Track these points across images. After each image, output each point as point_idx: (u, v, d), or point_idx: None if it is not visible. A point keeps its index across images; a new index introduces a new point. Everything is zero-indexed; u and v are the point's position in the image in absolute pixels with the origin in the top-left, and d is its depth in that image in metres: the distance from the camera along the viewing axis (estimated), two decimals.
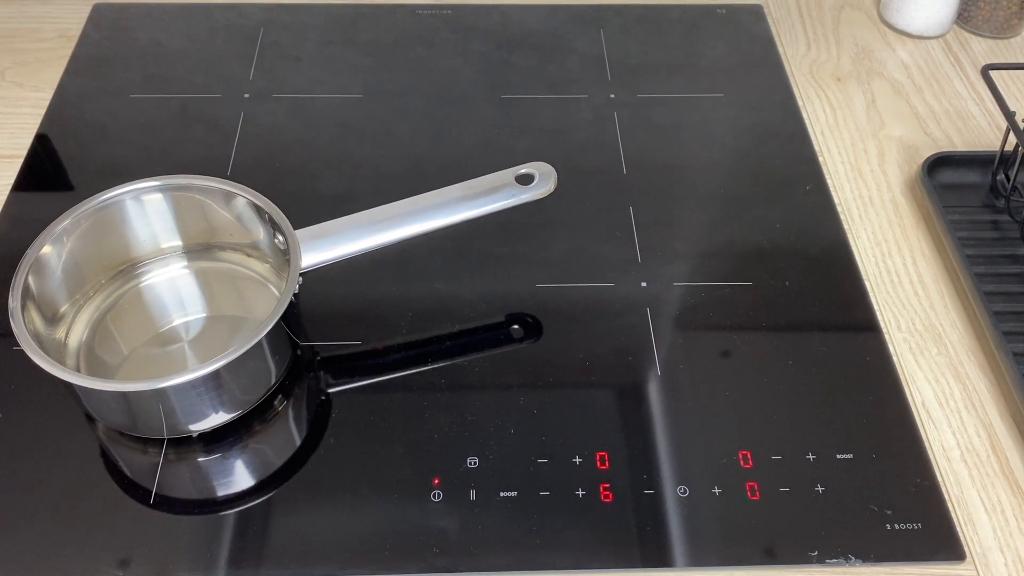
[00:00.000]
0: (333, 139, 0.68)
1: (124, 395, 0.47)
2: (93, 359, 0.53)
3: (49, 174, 0.65)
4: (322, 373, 0.55)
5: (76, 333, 0.53)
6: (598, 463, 0.50)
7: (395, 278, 0.59)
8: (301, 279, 0.51)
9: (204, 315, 0.55)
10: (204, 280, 0.57)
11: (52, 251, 0.51)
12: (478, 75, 0.74)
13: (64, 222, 0.51)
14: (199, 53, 0.74)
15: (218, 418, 0.50)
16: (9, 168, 0.65)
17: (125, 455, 0.51)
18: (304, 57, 0.75)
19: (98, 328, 0.54)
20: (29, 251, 0.50)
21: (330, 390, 0.54)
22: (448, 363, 0.55)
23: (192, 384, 0.47)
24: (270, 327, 0.47)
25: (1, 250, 0.59)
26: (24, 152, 0.66)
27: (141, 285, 0.56)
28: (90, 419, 0.52)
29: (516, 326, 0.58)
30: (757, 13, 0.80)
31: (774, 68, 0.75)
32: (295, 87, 0.72)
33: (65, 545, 0.47)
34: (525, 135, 0.69)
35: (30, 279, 0.49)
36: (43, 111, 0.69)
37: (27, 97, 0.71)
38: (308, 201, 0.63)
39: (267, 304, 0.55)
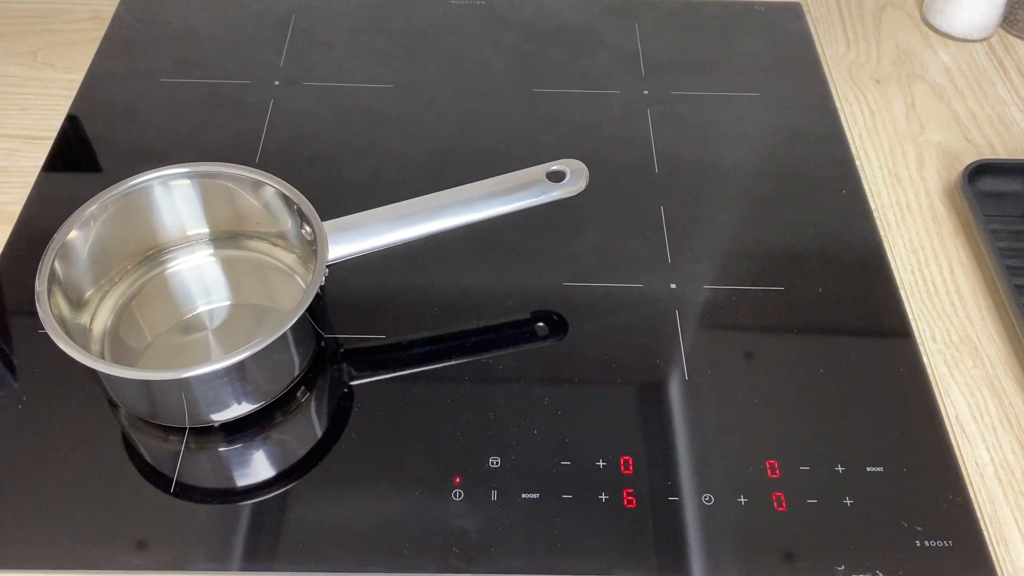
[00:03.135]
0: (363, 129, 0.68)
1: (148, 383, 0.47)
2: (117, 345, 0.52)
3: (78, 156, 0.65)
4: (345, 366, 0.54)
5: (101, 318, 0.53)
6: (622, 467, 0.50)
7: (421, 271, 0.59)
8: (327, 271, 0.51)
9: (229, 303, 0.55)
10: (230, 268, 0.56)
11: (79, 235, 0.51)
12: (510, 68, 0.73)
13: (92, 206, 0.51)
14: (230, 38, 0.74)
15: (241, 409, 0.50)
16: (39, 149, 0.65)
17: (147, 442, 0.51)
18: (335, 45, 0.74)
19: (123, 314, 0.54)
20: (57, 235, 0.50)
21: (352, 383, 0.54)
22: (472, 359, 0.55)
23: (216, 374, 0.46)
24: (296, 319, 0.47)
25: (29, 231, 0.60)
26: (54, 133, 0.66)
27: (167, 272, 0.56)
28: (113, 405, 0.52)
29: (541, 324, 0.57)
30: (796, 11, 0.79)
31: (812, 68, 0.74)
32: (326, 75, 0.71)
33: (84, 528, 0.47)
34: (556, 130, 0.68)
35: (56, 264, 0.49)
36: (74, 93, 0.69)
37: (58, 78, 0.71)
38: (336, 191, 0.63)
39: (292, 294, 0.55)
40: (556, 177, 0.53)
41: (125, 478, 0.49)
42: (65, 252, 0.50)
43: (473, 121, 0.69)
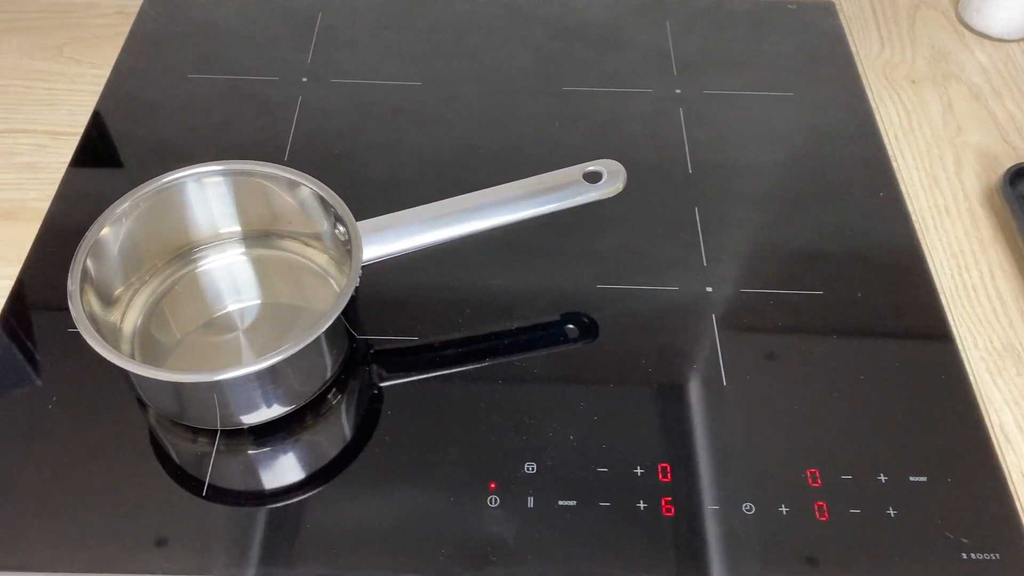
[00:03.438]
0: (392, 127, 0.67)
1: (179, 385, 0.46)
2: (147, 343, 0.52)
3: (105, 152, 0.64)
4: (376, 368, 0.54)
5: (131, 316, 0.53)
6: (660, 475, 0.49)
7: (451, 271, 0.58)
8: (361, 272, 0.50)
9: (260, 303, 0.54)
10: (261, 267, 0.56)
11: (111, 233, 0.50)
12: (538, 65, 0.72)
13: (124, 203, 0.50)
14: (257, 34, 0.73)
15: (272, 411, 0.49)
16: (65, 145, 0.65)
17: (177, 444, 0.50)
18: (362, 42, 0.73)
19: (154, 312, 0.53)
20: (89, 233, 0.49)
21: (384, 385, 0.53)
22: (505, 362, 0.54)
23: (250, 377, 0.46)
24: (331, 321, 0.46)
25: (57, 228, 0.59)
26: (81, 129, 0.65)
27: (198, 270, 0.55)
28: (142, 404, 0.51)
29: (571, 325, 0.56)
30: (828, 10, 0.78)
31: (846, 68, 0.72)
32: (353, 72, 0.70)
33: (113, 531, 0.46)
34: (587, 128, 0.67)
35: (88, 261, 0.48)
36: (100, 88, 0.68)
37: (84, 74, 0.70)
38: (365, 190, 0.62)
39: (324, 295, 0.54)
40: (593, 178, 0.52)
41: (155, 480, 0.48)
42: (97, 250, 0.49)
43: (502, 120, 0.68)
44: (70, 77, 0.70)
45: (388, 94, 0.69)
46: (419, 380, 0.53)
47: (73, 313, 0.46)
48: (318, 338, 0.46)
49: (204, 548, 0.46)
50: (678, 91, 0.70)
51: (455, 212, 0.51)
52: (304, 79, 0.70)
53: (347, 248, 0.51)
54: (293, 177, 0.52)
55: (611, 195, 0.52)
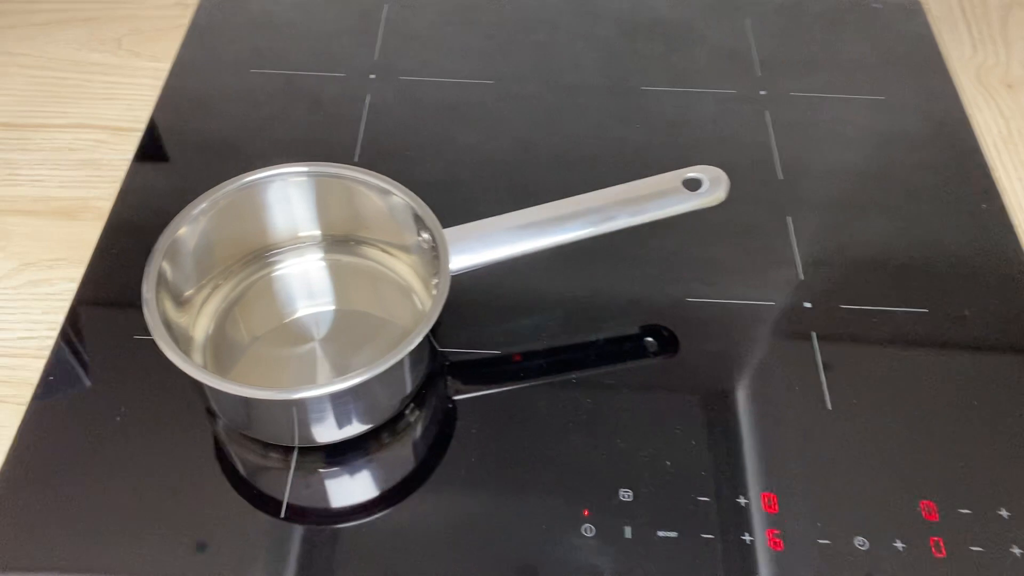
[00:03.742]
0: (465, 127, 0.64)
1: (257, 401, 0.44)
2: (219, 350, 0.49)
3: (168, 149, 0.62)
4: (454, 381, 0.51)
5: (203, 321, 0.50)
6: (765, 505, 0.46)
7: (530, 278, 0.55)
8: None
9: (336, 311, 0.52)
10: (338, 273, 0.53)
11: (187, 234, 0.48)
12: (614, 64, 0.69)
13: (202, 203, 0.48)
14: (321, 29, 0.71)
15: (352, 429, 0.46)
16: (126, 141, 0.62)
17: (251, 460, 0.47)
18: (428, 37, 0.70)
19: (227, 317, 0.50)
20: (164, 234, 0.47)
21: (460, 397, 0.50)
22: (588, 377, 0.51)
23: (333, 396, 0.43)
24: (421, 337, 0.43)
25: (121, 228, 0.56)
26: (142, 125, 0.63)
27: (273, 274, 0.52)
28: (210, 413, 0.49)
29: (650, 339, 0.54)
30: (915, 10, 0.74)
31: (937, 71, 0.69)
32: (423, 69, 0.67)
33: (187, 551, 0.44)
34: (668, 131, 0.64)
35: (165, 264, 0.46)
36: (161, 83, 0.66)
37: (143, 67, 0.68)
38: (441, 194, 0.58)
39: (402, 305, 0.51)
40: (692, 185, 0.49)
41: (230, 500, 0.46)
42: (172, 252, 0.47)
43: (578, 120, 0.65)
44: (129, 70, 0.67)
45: (459, 92, 0.66)
46: (501, 397, 0.50)
47: (148, 320, 0.44)
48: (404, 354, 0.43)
49: (285, 570, 0.44)
50: (762, 92, 0.66)
51: (547, 220, 0.48)
52: (371, 76, 0.67)
53: (432, 256, 0.48)
54: (376, 181, 0.49)
55: (712, 204, 0.49)
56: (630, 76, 0.68)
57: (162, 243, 0.46)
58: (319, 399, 0.43)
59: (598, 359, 0.52)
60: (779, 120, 0.64)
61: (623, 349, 0.53)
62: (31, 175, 0.60)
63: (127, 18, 0.71)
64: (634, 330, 0.54)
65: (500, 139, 0.63)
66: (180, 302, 0.49)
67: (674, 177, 0.49)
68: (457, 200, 0.57)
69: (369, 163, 0.60)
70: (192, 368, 0.42)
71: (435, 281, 0.48)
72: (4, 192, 0.59)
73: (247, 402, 0.44)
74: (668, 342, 0.53)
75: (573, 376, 0.51)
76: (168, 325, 0.45)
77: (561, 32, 0.71)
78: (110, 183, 0.60)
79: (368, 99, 0.65)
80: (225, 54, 0.68)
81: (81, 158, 0.61)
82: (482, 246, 0.47)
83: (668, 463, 0.47)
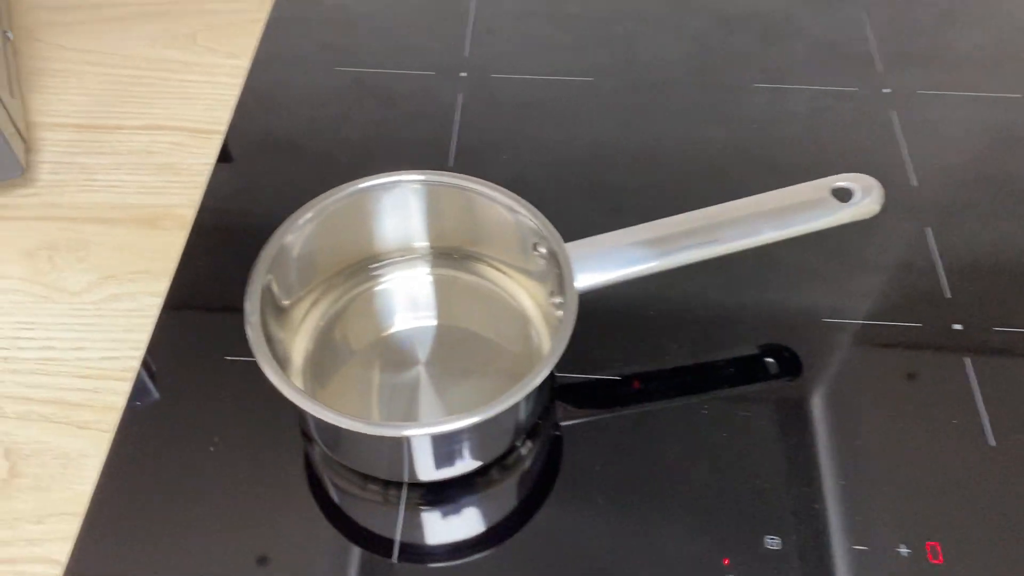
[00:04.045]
0: (567, 129, 0.59)
1: (369, 436, 0.40)
2: (320, 371, 0.45)
3: (252, 153, 0.58)
4: (569, 408, 0.47)
5: (302, 339, 0.46)
6: (929, 555, 0.41)
7: (648, 295, 0.50)
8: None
9: (440, 329, 0.47)
10: (445, 289, 0.49)
11: (290, 246, 0.44)
12: (723, 61, 0.64)
13: (307, 213, 0.43)
14: (408, 23, 0.66)
15: (466, 466, 0.42)
16: (207, 144, 0.59)
17: (358, 496, 0.43)
18: (519, 32, 0.66)
19: (327, 332, 0.46)
20: (267, 248, 0.42)
21: (570, 422, 0.46)
22: (718, 405, 0.46)
23: (451, 433, 0.39)
24: (549, 369, 0.39)
25: (206, 237, 0.53)
26: (223, 127, 0.59)
27: (376, 288, 0.48)
28: (307, 437, 0.45)
29: (770, 359, 0.49)
30: None
31: None
32: (517, 66, 0.63)
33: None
34: (787, 132, 0.59)
35: (268, 277, 0.42)
36: (241, 81, 0.62)
37: (221, 64, 0.64)
38: (547, 203, 0.53)
39: (512, 325, 0.47)
40: (842, 195, 0.44)
41: (340, 541, 0.42)
42: (275, 265, 0.43)
43: (690, 121, 0.60)
44: (206, 68, 0.64)
45: (558, 91, 0.61)
46: (615, 423, 0.46)
47: (252, 341, 0.40)
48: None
49: None
50: (887, 91, 0.61)
51: (681, 234, 0.43)
52: (463, 74, 0.62)
53: (547, 273, 0.44)
54: (494, 192, 0.44)
55: (865, 217, 0.44)
56: (741, 73, 0.62)
57: (265, 256, 0.42)
58: (438, 436, 0.39)
59: (720, 382, 0.48)
60: (907, 120, 0.59)
61: (744, 371, 0.48)
62: (108, 180, 0.57)
63: (201, 12, 0.68)
64: (753, 350, 0.49)
65: (605, 141, 0.58)
66: (280, 317, 0.45)
67: (821, 186, 0.44)
68: (565, 210, 0.52)
69: (465, 168, 0.56)
70: (305, 400, 0.38)
71: (556, 300, 0.44)
72: (81, 199, 0.56)
73: (357, 436, 0.40)
74: (790, 364, 0.49)
75: (694, 400, 0.47)
76: (270, 342, 0.41)
77: (662, 25, 0.66)
78: (191, 189, 0.56)
79: (460, 99, 0.61)
80: (306, 50, 0.64)
81: (160, 162, 0.58)
82: (610, 263, 0.43)
83: (816, 506, 0.42)
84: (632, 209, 0.54)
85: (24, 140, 0.57)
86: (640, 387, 0.47)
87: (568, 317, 0.40)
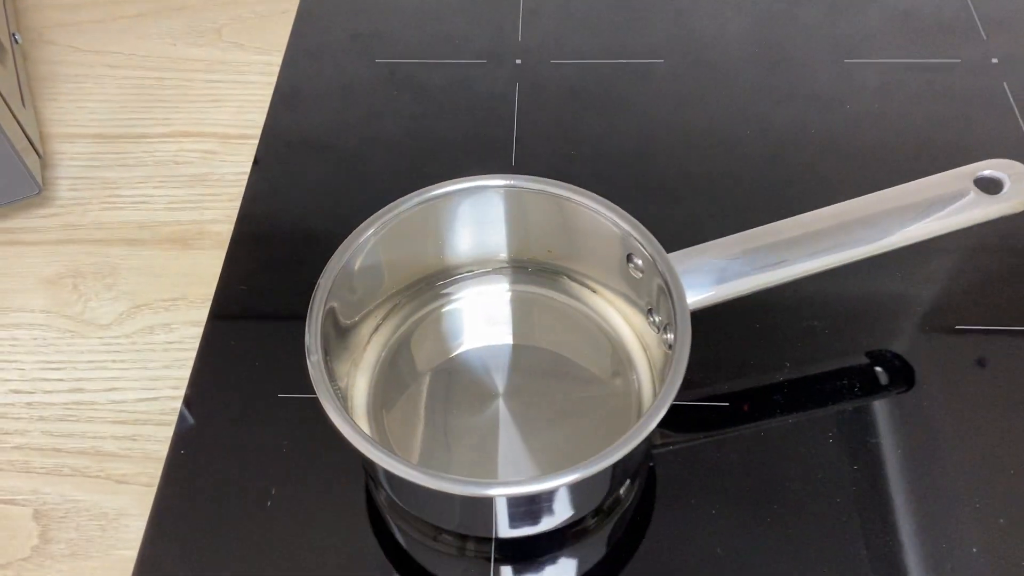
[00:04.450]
0: (640, 117, 0.53)
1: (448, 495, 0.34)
2: (385, 403, 0.40)
3: (290, 158, 0.52)
4: (671, 435, 0.41)
5: (365, 369, 0.40)
6: None
7: (760, 310, 0.44)
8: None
9: (520, 356, 0.41)
10: (526, 309, 0.43)
11: (349, 268, 0.38)
12: (807, 35, 0.57)
13: (368, 231, 0.37)
14: (453, 8, 0.60)
15: (555, 521, 0.37)
16: (240, 151, 0.53)
17: (441, 555, 0.38)
18: (577, 12, 0.59)
19: (393, 362, 0.41)
20: (326, 274, 0.36)
21: (670, 448, 0.40)
22: (846, 431, 0.40)
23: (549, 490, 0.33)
24: (662, 414, 0.33)
25: (246, 257, 0.47)
26: (257, 131, 0.53)
27: (446, 308, 0.42)
28: (372, 481, 0.39)
29: (879, 368, 0.43)
30: None
31: None
32: (576, 50, 0.57)
33: None
34: (886, 111, 0.52)
35: (331, 304, 0.36)
36: (273, 79, 0.56)
37: (251, 61, 0.58)
38: (627, 206, 0.48)
39: (606, 351, 0.41)
40: (987, 186, 0.38)
41: None
42: (335, 291, 0.37)
43: (779, 102, 0.53)
44: (234, 66, 0.58)
45: (627, 75, 0.55)
46: (735, 463, 0.40)
47: (316, 383, 0.34)
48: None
49: None
50: (994, 60, 0.54)
51: (800, 239, 0.37)
52: (518, 61, 0.56)
53: (650, 289, 0.38)
54: (583, 199, 0.38)
55: (1019, 211, 0.38)
56: (831, 48, 0.56)
57: (325, 281, 0.36)
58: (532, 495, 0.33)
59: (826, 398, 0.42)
60: (1021, 95, 0.53)
61: (854, 385, 0.43)
62: (134, 196, 0.51)
63: (225, 5, 0.62)
64: (863, 360, 0.43)
65: (682, 130, 0.52)
66: (340, 344, 0.39)
67: (961, 175, 0.38)
68: (652, 212, 0.45)
69: (528, 167, 0.51)
70: (382, 454, 0.32)
71: (656, 319, 0.38)
72: (105, 217, 0.50)
73: (445, 495, 0.34)
74: (901, 373, 0.43)
75: (832, 431, 0.41)
76: (331, 379, 0.35)
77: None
78: (226, 201, 0.50)
79: (517, 89, 0.55)
80: (341, 42, 0.58)
81: (190, 173, 0.52)
82: (723, 276, 0.37)
83: (974, 550, 0.36)
84: (729, 210, 0.48)
85: (39, 154, 0.51)
86: (771, 420, 0.41)
87: (681, 343, 0.34)
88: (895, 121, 0.52)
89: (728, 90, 0.54)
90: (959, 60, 0.55)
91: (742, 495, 0.39)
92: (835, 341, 0.43)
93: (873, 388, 0.42)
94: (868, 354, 0.44)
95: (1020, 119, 0.51)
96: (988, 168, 0.38)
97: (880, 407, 0.42)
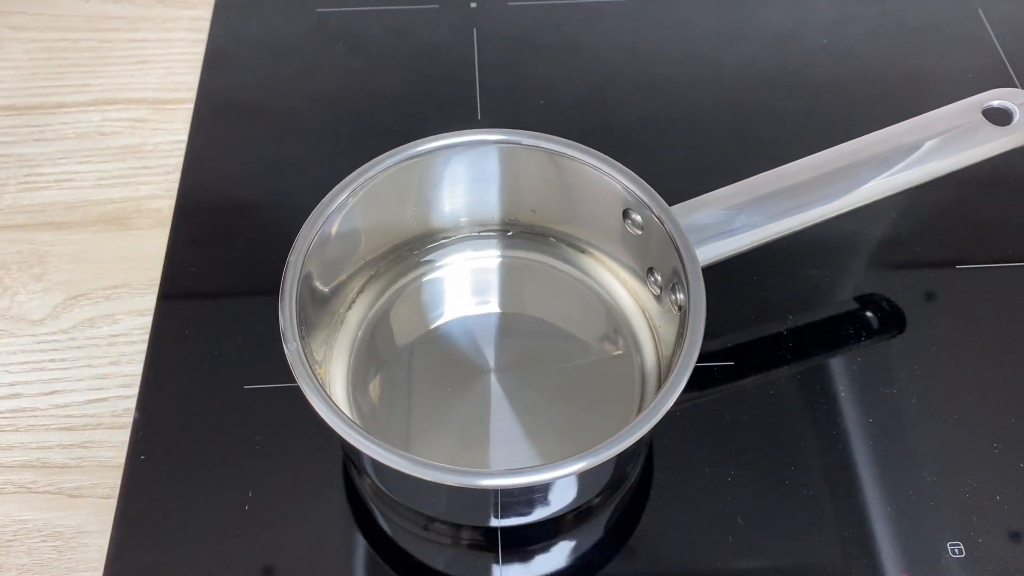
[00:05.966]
0: (610, 60, 0.49)
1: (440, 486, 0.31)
2: (367, 382, 0.36)
3: (232, 121, 0.47)
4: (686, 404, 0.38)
5: (343, 346, 0.37)
6: None
7: (754, 262, 0.41)
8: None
9: (513, 326, 0.38)
10: (513, 276, 0.39)
11: (324, 236, 0.34)
12: None
13: (341, 196, 0.33)
14: None
15: (554, 509, 0.34)
16: (173, 117, 0.48)
17: (444, 546, 0.35)
18: None
19: (372, 337, 0.37)
20: (297, 246, 0.32)
21: (676, 411, 0.38)
22: (849, 381, 0.39)
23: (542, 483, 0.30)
24: (679, 390, 0.30)
25: (191, 235, 0.42)
26: (190, 94, 0.48)
27: (429, 276, 0.39)
28: (355, 467, 0.36)
29: (869, 313, 0.41)
30: None
31: None
32: None
33: None
34: (855, 44, 0.50)
35: (305, 281, 0.32)
36: (204, 36, 0.51)
37: (177, 17, 0.53)
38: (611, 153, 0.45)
39: (604, 319, 0.38)
40: (996, 117, 0.36)
41: None
42: (308, 262, 0.33)
43: (762, 35, 0.50)
44: (160, 23, 0.52)
45: (592, 16, 0.51)
46: (745, 424, 0.37)
47: (297, 372, 0.30)
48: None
49: None
50: None
51: (809, 183, 0.35)
52: (473, 4, 0.52)
53: (648, 248, 0.35)
54: (575, 152, 0.35)
55: None
56: None
57: (295, 260, 0.32)
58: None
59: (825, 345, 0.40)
60: (995, 16, 0.51)
61: (860, 333, 0.41)
62: (57, 173, 0.46)
63: None
64: (853, 305, 0.42)
65: (661, 70, 0.49)
66: (315, 326, 0.35)
67: (969, 108, 0.36)
68: (641, 163, 0.42)
69: (496, 119, 0.47)
70: (374, 446, 0.29)
71: (656, 279, 0.35)
72: (26, 200, 0.45)
73: (444, 488, 0.31)
74: (890, 317, 0.41)
75: (823, 382, 0.39)
76: (310, 358, 0.31)
77: None
78: (163, 174, 0.45)
79: (475, 35, 0.51)
80: None
81: (119, 144, 0.47)
82: (732, 227, 0.34)
83: (998, 497, 0.35)
84: (725, 156, 0.45)
85: None
86: (787, 384, 0.39)
87: (696, 302, 0.32)
88: (870, 52, 0.50)
89: (705, 22, 0.51)
90: None
91: (759, 458, 0.36)
92: (837, 290, 0.41)
93: (875, 333, 0.40)
94: (866, 298, 0.42)
95: (999, 48, 0.50)
96: (995, 98, 0.36)
97: (891, 353, 0.40)
